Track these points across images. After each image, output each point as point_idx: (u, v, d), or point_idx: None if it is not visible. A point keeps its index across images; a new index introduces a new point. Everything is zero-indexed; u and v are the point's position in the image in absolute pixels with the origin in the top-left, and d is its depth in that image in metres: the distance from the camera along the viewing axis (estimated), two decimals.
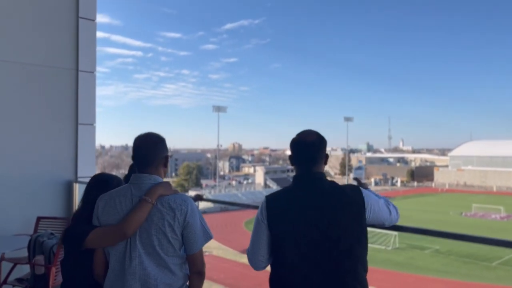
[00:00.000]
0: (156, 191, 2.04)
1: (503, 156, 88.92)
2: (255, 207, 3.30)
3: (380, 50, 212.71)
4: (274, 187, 78.25)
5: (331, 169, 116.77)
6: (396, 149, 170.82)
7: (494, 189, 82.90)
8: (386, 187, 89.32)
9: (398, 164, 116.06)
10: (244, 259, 29.30)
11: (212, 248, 31.12)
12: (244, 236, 36.14)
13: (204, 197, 3.83)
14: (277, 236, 1.99)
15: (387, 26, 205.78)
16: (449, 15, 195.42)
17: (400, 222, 2.29)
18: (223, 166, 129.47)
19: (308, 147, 2.08)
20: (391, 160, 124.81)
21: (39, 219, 4.95)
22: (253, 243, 2.08)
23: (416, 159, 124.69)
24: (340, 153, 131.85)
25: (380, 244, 33.52)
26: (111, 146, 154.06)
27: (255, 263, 2.09)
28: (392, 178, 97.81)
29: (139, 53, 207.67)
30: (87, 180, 2.58)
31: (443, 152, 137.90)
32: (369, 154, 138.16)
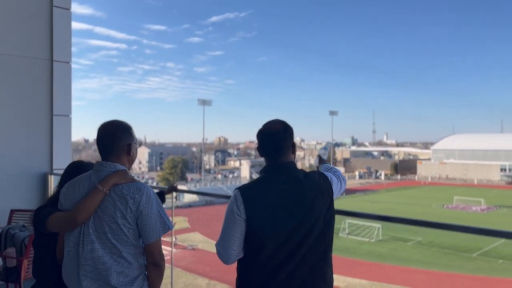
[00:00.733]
0: (110, 180, 2.03)
1: (484, 150, 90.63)
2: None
3: (366, 45, 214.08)
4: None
5: (316, 164, 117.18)
6: (380, 143, 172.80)
7: (475, 181, 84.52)
8: (370, 180, 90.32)
9: (382, 158, 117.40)
10: None
11: (197, 242, 31.11)
12: None
13: (184, 188, 3.70)
14: (255, 227, 1.96)
15: (372, 21, 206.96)
16: (433, 10, 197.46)
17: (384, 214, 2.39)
18: (209, 160, 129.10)
19: (273, 137, 2.07)
20: (375, 153, 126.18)
21: (12, 211, 4.86)
22: (226, 236, 2.01)
23: (399, 153, 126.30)
24: None
25: (363, 236, 33.94)
26: (95, 140, 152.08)
27: (227, 257, 2.03)
28: (376, 171, 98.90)
29: (123, 46, 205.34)
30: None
31: (426, 145, 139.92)
32: (353, 148, 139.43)
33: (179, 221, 41.14)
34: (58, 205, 2.18)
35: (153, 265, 2.06)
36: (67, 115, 5.42)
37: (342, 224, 35.22)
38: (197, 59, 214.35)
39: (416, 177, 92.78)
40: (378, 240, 32.41)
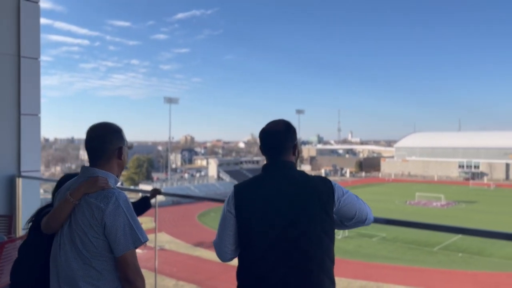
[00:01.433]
0: (80, 189, 1.95)
1: (443, 148, 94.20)
2: (218, 200, 3.18)
3: (331, 44, 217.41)
4: (228, 180, 78.33)
5: None
6: (345, 141, 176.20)
7: (435, 178, 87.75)
8: (335, 177, 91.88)
9: (347, 155, 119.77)
10: (197, 252, 29.19)
11: (165, 242, 30.63)
12: (197, 229, 35.88)
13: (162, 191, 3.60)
14: (245, 225, 1.94)
15: (337, 21, 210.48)
16: (395, 9, 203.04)
17: None
18: (175, 159, 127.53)
19: (276, 136, 2.06)
20: (340, 151, 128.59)
21: None
22: (220, 234, 2.02)
23: (364, 151, 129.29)
24: None
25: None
26: (55, 139, 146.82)
27: (222, 255, 2.04)
28: (342, 169, 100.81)
29: (86, 42, 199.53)
30: (32, 174, 2.49)
31: (389, 143, 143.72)
32: (319, 146, 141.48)
33: (145, 221, 39.86)
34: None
35: (125, 281, 1.91)
36: (36, 114, 5.13)
37: None
38: (162, 56, 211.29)
39: (380, 174, 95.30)
40: (344, 236, 32.98)
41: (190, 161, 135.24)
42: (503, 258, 28.00)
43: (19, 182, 4.93)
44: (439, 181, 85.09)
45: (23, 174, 4.97)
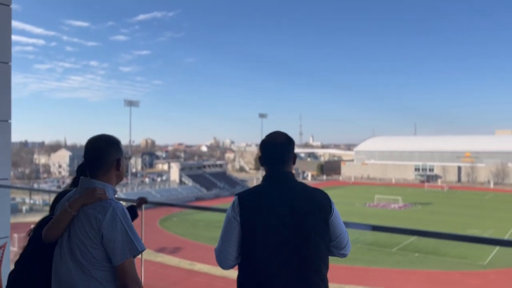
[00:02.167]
0: (78, 200, 1.99)
1: (401, 151, 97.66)
2: (206, 209, 3.15)
3: (293, 49, 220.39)
4: (190, 184, 77.41)
5: (247, 165, 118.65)
6: (306, 145, 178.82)
7: (393, 181, 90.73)
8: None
9: (308, 159, 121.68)
10: (159, 258, 28.67)
11: None
12: (159, 235, 35.27)
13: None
14: (248, 232, 2.00)
15: (298, 25, 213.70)
16: (354, 16, 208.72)
17: None
18: (135, 163, 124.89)
19: (277, 148, 2.15)
20: (302, 155, 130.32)
21: None
22: (223, 241, 2.06)
23: (325, 154, 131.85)
24: (254, 149, 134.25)
25: None
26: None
27: (223, 262, 2.08)
28: (303, 172, 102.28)
29: (41, 42, 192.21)
30: (1, 183, 2.48)
31: (349, 147, 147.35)
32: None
33: None
34: None
35: None
36: (6, 120, 4.97)
37: None
38: (122, 58, 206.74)
39: (341, 177, 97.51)
40: None
41: (151, 165, 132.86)
42: (456, 257, 29.39)
43: None
44: (397, 183, 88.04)
45: None
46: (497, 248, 31.74)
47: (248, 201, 2.05)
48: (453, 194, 69.61)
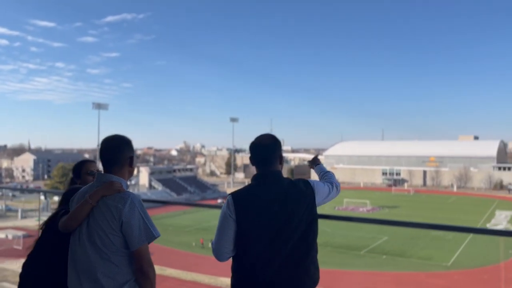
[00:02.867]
0: (98, 192, 2.19)
1: (369, 156, 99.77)
2: (196, 205, 3.19)
3: (264, 53, 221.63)
4: (160, 188, 76.36)
5: (217, 169, 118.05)
6: None
7: (361, 184, 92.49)
8: None
9: None
10: None
11: None
12: None
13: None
14: (244, 228, 2.20)
15: (269, 29, 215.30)
16: (323, 20, 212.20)
17: None
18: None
19: (264, 149, 2.35)
20: None
21: None
22: (220, 236, 2.25)
23: (295, 158, 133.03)
24: (225, 153, 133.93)
25: None
26: None
27: (220, 255, 2.26)
28: None
29: (4, 42, 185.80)
30: None
31: (319, 151, 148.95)
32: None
33: None
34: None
35: (139, 271, 2.15)
36: None
37: None
38: (90, 60, 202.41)
39: None
40: None
41: None
42: (422, 258, 30.24)
43: None
44: (365, 187, 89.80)
45: None
46: (460, 249, 32.92)
47: (242, 200, 2.25)
48: (419, 197, 71.64)
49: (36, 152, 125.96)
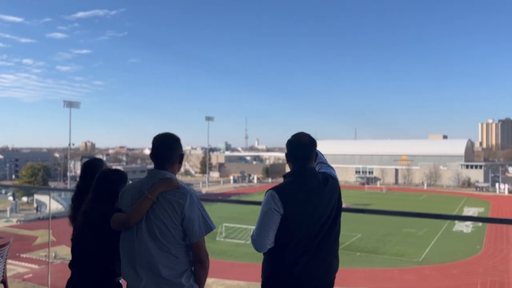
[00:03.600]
0: (158, 188, 2.31)
1: (342, 155, 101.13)
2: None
3: (240, 52, 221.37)
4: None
5: (192, 168, 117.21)
6: (252, 148, 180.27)
7: None
8: (243, 184, 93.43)
9: (254, 162, 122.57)
10: None
11: (65, 255, 28.47)
12: None
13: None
14: (289, 220, 2.37)
15: (246, 29, 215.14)
16: (301, 19, 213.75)
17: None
18: (74, 167, 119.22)
19: (303, 148, 2.53)
20: (248, 158, 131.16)
21: None
22: (263, 229, 2.40)
23: (270, 157, 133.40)
24: (200, 152, 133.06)
25: (240, 238, 34.98)
26: None
27: (262, 246, 2.42)
28: (249, 176, 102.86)
29: None
30: None
31: None
32: (227, 153, 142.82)
33: (41, 234, 37.16)
34: (117, 208, 2.50)
35: (198, 262, 2.34)
36: None
37: (220, 228, 35.80)
38: (60, 56, 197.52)
39: None
40: (247, 243, 33.73)
41: None
42: (395, 255, 30.89)
43: None
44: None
45: None
46: (431, 245, 33.80)
47: (286, 194, 2.42)
48: (391, 195, 73.15)
49: (3, 151, 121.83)
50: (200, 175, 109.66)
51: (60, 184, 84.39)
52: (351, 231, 36.87)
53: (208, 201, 5.21)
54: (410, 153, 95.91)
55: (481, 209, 54.72)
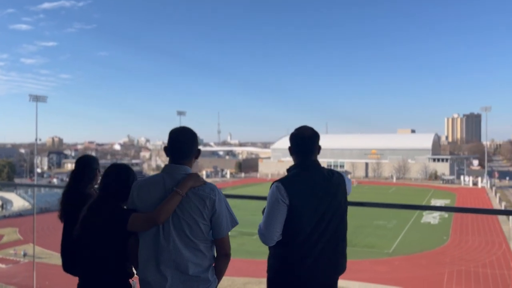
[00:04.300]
0: (187, 184, 2.25)
1: None
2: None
3: (212, 46, 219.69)
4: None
5: (164, 163, 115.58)
6: (224, 143, 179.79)
7: None
8: (216, 179, 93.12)
9: (227, 157, 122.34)
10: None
11: (38, 253, 27.66)
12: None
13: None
14: (296, 212, 2.37)
15: (217, 23, 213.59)
16: (272, 20, 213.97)
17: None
18: (41, 163, 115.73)
19: (306, 140, 2.55)
20: (220, 153, 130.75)
21: None
22: (270, 221, 2.41)
23: (243, 152, 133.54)
24: None
25: None
26: None
27: (270, 239, 2.42)
28: (222, 170, 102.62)
29: None
30: None
31: (266, 145, 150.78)
32: (200, 148, 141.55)
33: (8, 233, 36.01)
34: (129, 205, 2.40)
35: (224, 256, 2.35)
36: None
37: None
38: (25, 49, 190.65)
39: (258, 175, 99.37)
40: None
41: (59, 165, 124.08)
42: (366, 247, 31.55)
43: None
44: None
45: None
46: (400, 237, 34.75)
47: (292, 185, 2.42)
48: (362, 188, 74.60)
49: None
50: None
51: (27, 181, 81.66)
52: None
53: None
54: (380, 147, 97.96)
55: (447, 201, 56.59)
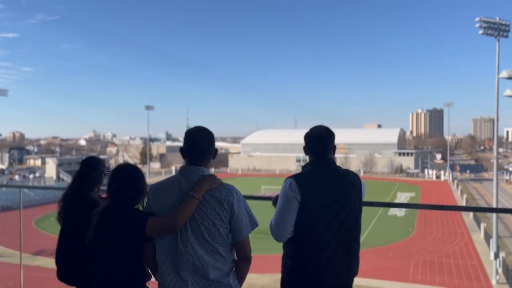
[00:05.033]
0: (203, 186, 2.18)
1: (284, 144, 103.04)
2: None
3: (181, 40, 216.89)
4: (69, 181, 71.40)
5: (131, 159, 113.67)
6: None
7: (277, 172, 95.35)
8: None
9: None
10: (38, 261, 26.23)
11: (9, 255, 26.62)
12: (36, 237, 32.07)
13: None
14: (308, 209, 2.36)
15: (185, 17, 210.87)
16: (242, 15, 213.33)
17: None
18: (2, 159, 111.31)
19: (321, 140, 2.56)
20: None
21: None
22: (282, 217, 2.40)
23: None
24: (139, 142, 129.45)
25: None
26: None
27: (281, 236, 2.41)
28: None
29: None
30: None
31: (235, 140, 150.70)
32: (168, 143, 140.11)
33: None
34: (146, 208, 2.32)
35: (245, 259, 2.29)
36: None
37: None
38: None
39: (228, 170, 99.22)
40: None
41: (21, 161, 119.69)
42: None
43: None
44: (281, 174, 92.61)
45: None
46: (368, 229, 35.59)
47: (305, 182, 2.41)
48: None
49: None
50: (140, 166, 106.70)
51: None
52: None
53: None
54: (348, 142, 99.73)
55: (412, 194, 58.41)
